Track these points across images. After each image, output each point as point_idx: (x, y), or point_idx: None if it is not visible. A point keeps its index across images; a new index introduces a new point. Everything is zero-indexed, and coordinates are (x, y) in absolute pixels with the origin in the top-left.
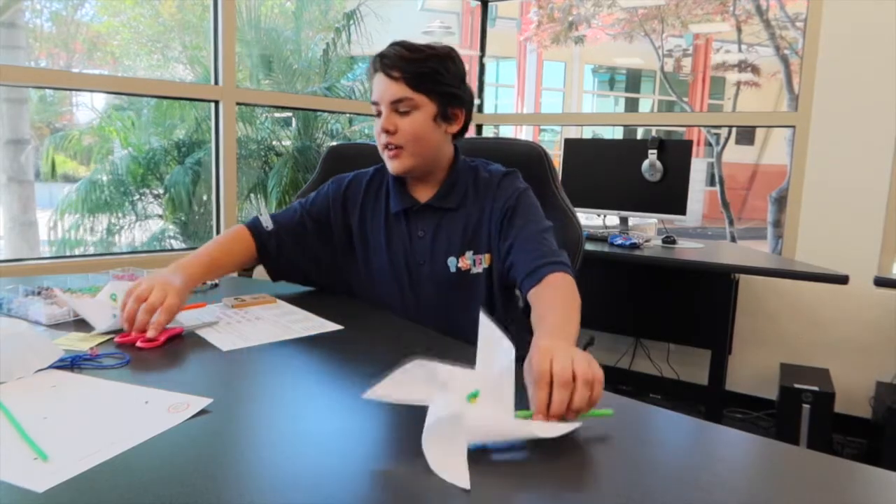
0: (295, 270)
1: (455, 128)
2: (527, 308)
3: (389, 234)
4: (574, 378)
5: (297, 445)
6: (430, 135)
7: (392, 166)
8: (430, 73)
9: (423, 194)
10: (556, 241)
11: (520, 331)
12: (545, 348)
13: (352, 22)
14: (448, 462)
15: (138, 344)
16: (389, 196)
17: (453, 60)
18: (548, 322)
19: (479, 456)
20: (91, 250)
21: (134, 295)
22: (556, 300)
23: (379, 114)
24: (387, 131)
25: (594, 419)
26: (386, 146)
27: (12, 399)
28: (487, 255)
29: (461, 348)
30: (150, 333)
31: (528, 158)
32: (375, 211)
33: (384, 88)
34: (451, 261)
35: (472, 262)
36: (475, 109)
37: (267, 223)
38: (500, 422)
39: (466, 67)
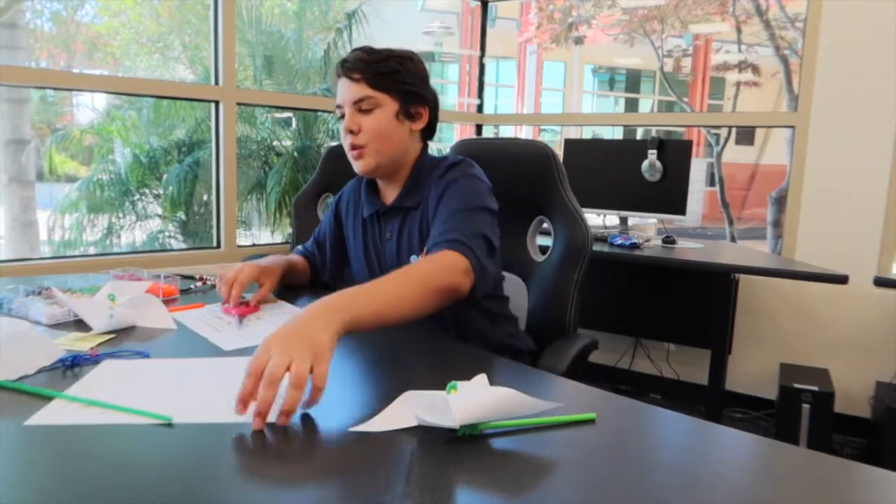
0: (336, 275)
1: (420, 125)
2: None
3: (365, 239)
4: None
5: (297, 444)
6: (394, 132)
7: (358, 166)
8: (390, 73)
9: (391, 196)
10: (560, 240)
11: (493, 325)
12: (276, 336)
13: (353, 21)
14: (435, 408)
15: (234, 313)
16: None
17: (413, 61)
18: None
19: (475, 454)
20: (91, 250)
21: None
22: (399, 273)
23: (343, 116)
24: (350, 131)
25: (576, 424)
26: (351, 147)
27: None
28: None
29: (458, 347)
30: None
31: (534, 158)
32: (355, 217)
33: (346, 90)
34: (413, 258)
35: None
36: (475, 110)
37: (305, 247)
38: (483, 398)
39: (467, 68)
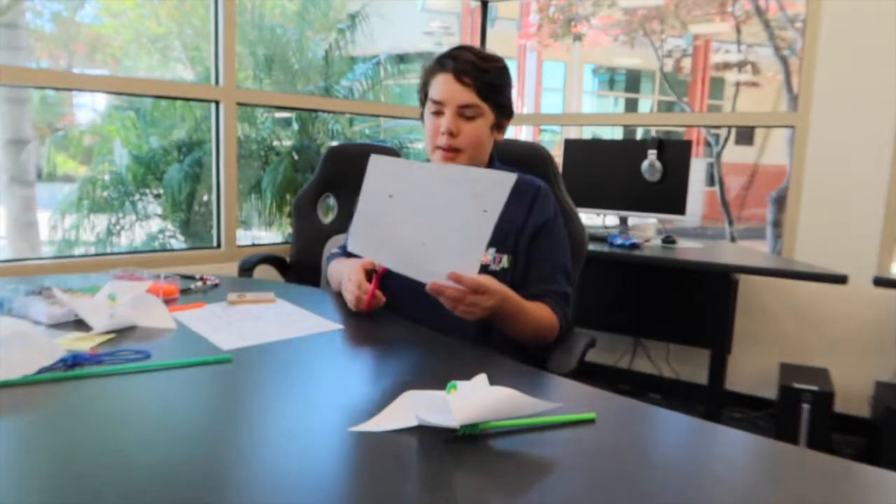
0: None
1: (501, 136)
2: None
3: None
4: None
5: (297, 444)
6: (486, 142)
7: None
8: (497, 86)
9: None
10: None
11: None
12: (488, 285)
13: (357, 21)
14: (435, 408)
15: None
16: None
17: (509, 74)
18: (515, 297)
19: (475, 454)
20: (91, 250)
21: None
22: (532, 304)
23: (438, 113)
24: (450, 133)
25: (576, 424)
26: (444, 146)
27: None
28: (508, 257)
29: (458, 347)
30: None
31: (531, 160)
32: None
33: (453, 91)
34: None
35: (493, 260)
36: None
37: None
38: (483, 398)
39: None
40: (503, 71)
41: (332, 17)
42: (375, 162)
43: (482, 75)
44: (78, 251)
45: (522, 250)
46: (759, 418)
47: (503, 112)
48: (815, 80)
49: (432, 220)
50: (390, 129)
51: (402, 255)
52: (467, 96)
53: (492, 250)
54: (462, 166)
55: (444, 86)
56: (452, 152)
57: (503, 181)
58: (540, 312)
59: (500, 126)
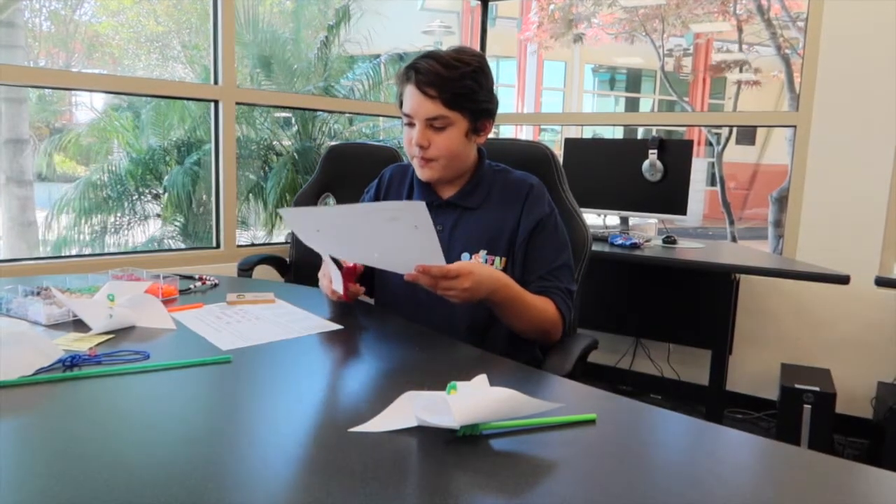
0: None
1: (483, 138)
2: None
3: None
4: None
5: (297, 444)
6: (462, 149)
7: (423, 174)
8: (466, 93)
9: (446, 191)
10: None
11: (521, 343)
12: (467, 277)
13: (343, 18)
14: (435, 408)
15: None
16: (413, 189)
17: (485, 74)
18: (514, 285)
19: (475, 454)
20: (88, 250)
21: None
22: (538, 301)
23: (410, 125)
24: (421, 146)
25: (577, 424)
26: (419, 157)
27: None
28: (501, 259)
29: (458, 347)
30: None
31: (534, 159)
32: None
33: (419, 105)
34: (465, 256)
35: (484, 262)
36: None
37: None
38: (483, 398)
39: None
40: (474, 74)
41: (330, 15)
42: (286, 214)
43: (447, 85)
44: (73, 251)
45: (519, 251)
46: (760, 419)
47: (479, 115)
48: (816, 79)
49: (372, 244)
50: (390, 129)
51: (368, 258)
52: (433, 109)
53: (483, 253)
54: (366, 204)
55: (411, 99)
56: (427, 161)
57: (414, 206)
58: (543, 306)
59: (478, 129)
